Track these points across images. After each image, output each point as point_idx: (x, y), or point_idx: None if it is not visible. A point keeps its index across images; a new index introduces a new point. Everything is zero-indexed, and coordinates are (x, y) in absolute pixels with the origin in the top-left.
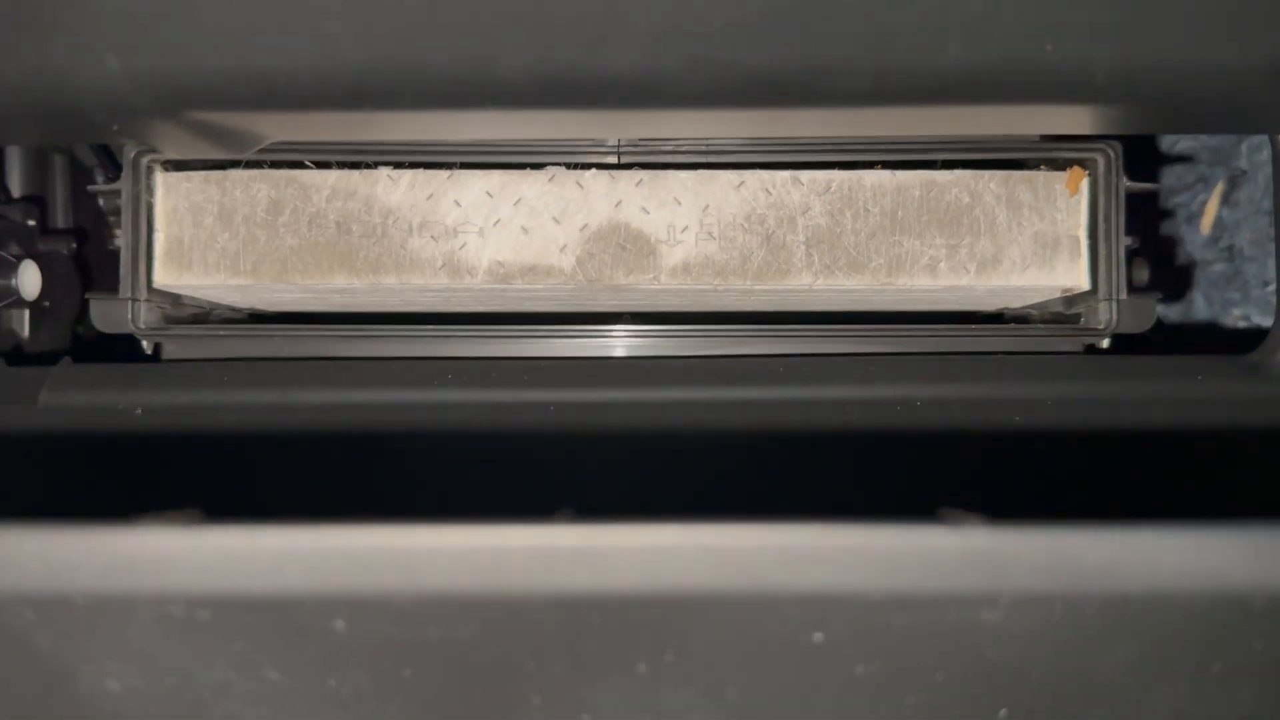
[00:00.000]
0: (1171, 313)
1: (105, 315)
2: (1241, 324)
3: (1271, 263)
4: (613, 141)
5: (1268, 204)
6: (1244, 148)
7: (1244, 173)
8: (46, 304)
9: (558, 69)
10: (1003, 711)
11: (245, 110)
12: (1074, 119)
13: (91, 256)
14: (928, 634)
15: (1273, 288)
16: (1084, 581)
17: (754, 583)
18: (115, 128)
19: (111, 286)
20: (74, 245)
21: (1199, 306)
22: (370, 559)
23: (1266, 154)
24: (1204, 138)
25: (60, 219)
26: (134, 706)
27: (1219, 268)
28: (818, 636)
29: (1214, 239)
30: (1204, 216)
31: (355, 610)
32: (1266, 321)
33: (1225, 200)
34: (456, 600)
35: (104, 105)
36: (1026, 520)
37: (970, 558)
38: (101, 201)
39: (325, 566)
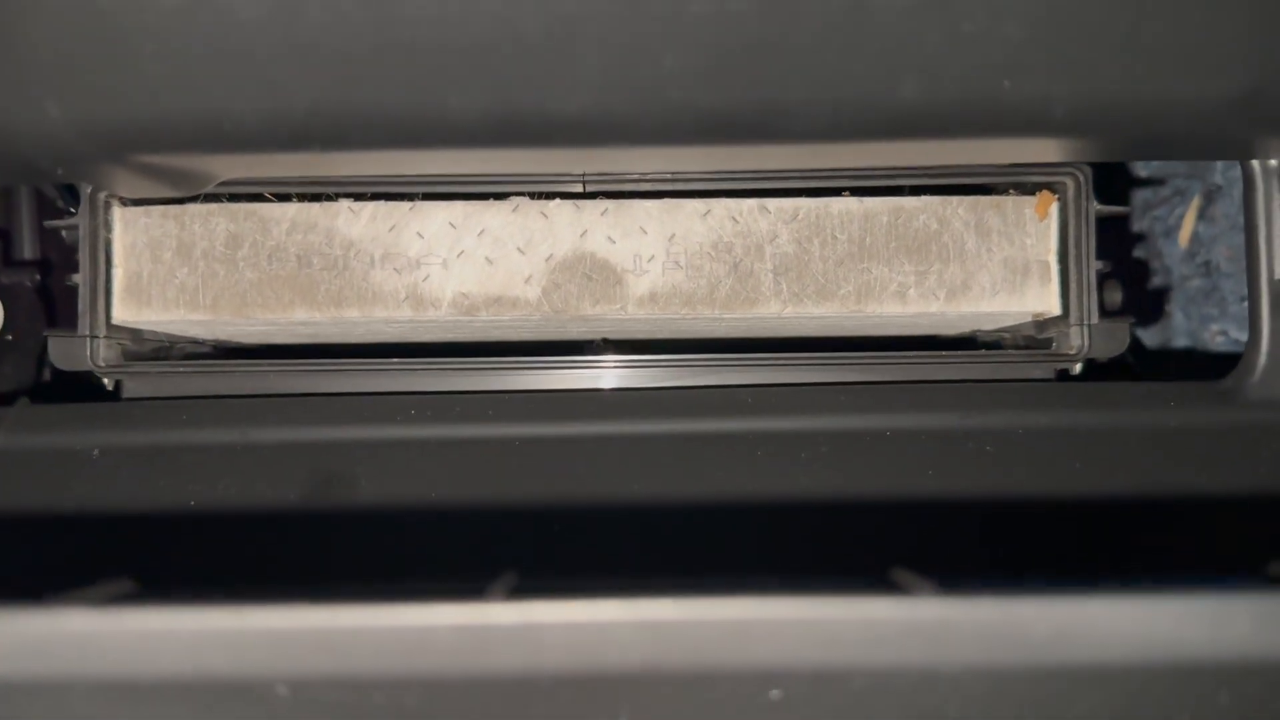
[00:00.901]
0: (1149, 334)
1: (64, 353)
2: (1219, 339)
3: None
4: (578, 171)
5: (1243, 220)
6: (1219, 164)
7: (1219, 188)
8: (9, 338)
9: (508, 110)
10: None
11: (191, 153)
12: (1038, 150)
13: (57, 290)
14: (887, 694)
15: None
16: (1037, 653)
17: (700, 659)
18: (60, 172)
19: (74, 323)
20: (38, 278)
21: (1177, 322)
22: (299, 641)
23: (1239, 172)
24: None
25: (26, 251)
26: None
27: (1196, 283)
28: (775, 694)
29: (1190, 254)
30: (1182, 229)
31: (292, 686)
32: (1244, 336)
33: (1201, 215)
34: (394, 682)
35: (47, 151)
36: (976, 590)
37: (919, 629)
38: (65, 234)
39: (247, 649)
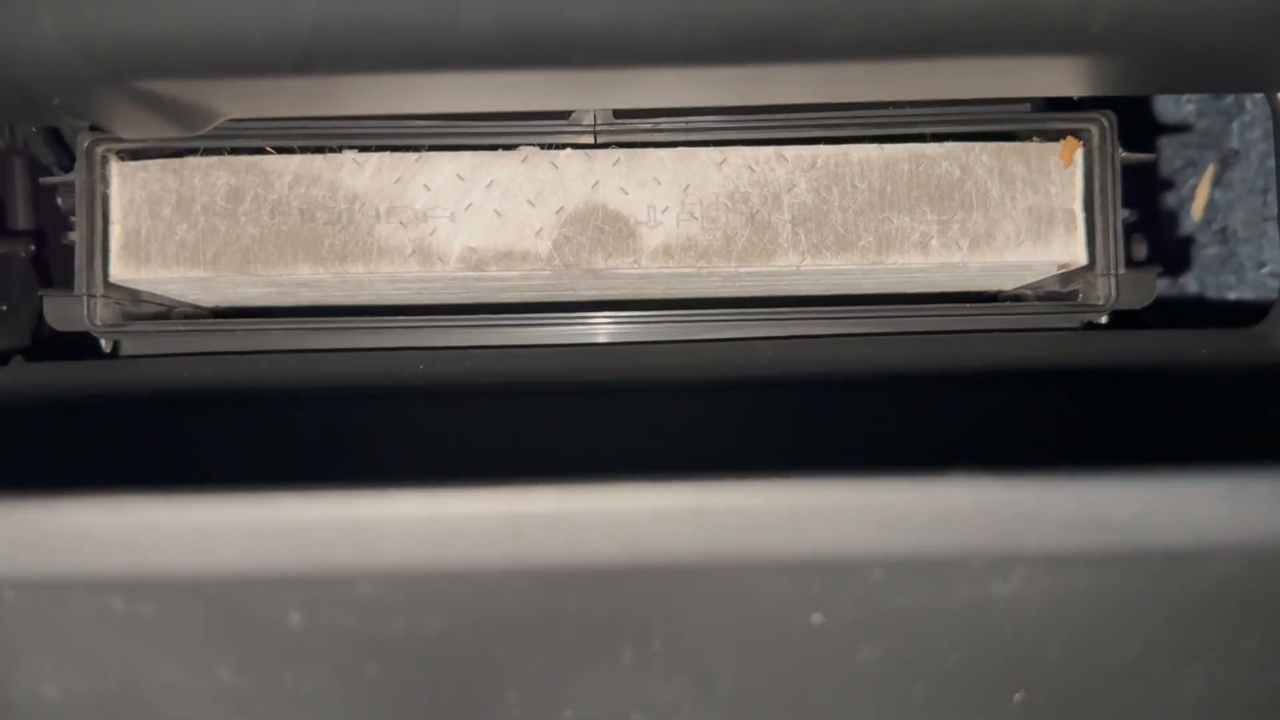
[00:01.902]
0: (1169, 294)
1: (60, 313)
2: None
3: (1266, 243)
4: (589, 120)
5: (1261, 182)
6: (1235, 125)
7: (1236, 152)
8: (4, 307)
9: (524, 21)
10: (1018, 695)
11: (195, 78)
12: (1071, 75)
13: (52, 259)
14: (935, 611)
15: (1269, 269)
16: (1111, 537)
17: (745, 547)
18: (56, 101)
19: (71, 287)
20: (32, 247)
21: (1193, 290)
22: (323, 531)
23: (1259, 131)
24: (1194, 118)
25: (21, 221)
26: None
27: (1212, 250)
28: (817, 618)
29: (1207, 221)
30: (1195, 201)
31: (313, 598)
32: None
33: (1217, 182)
34: (420, 579)
35: (42, 74)
36: (1044, 470)
37: (984, 513)
38: (60, 200)
39: (274, 542)
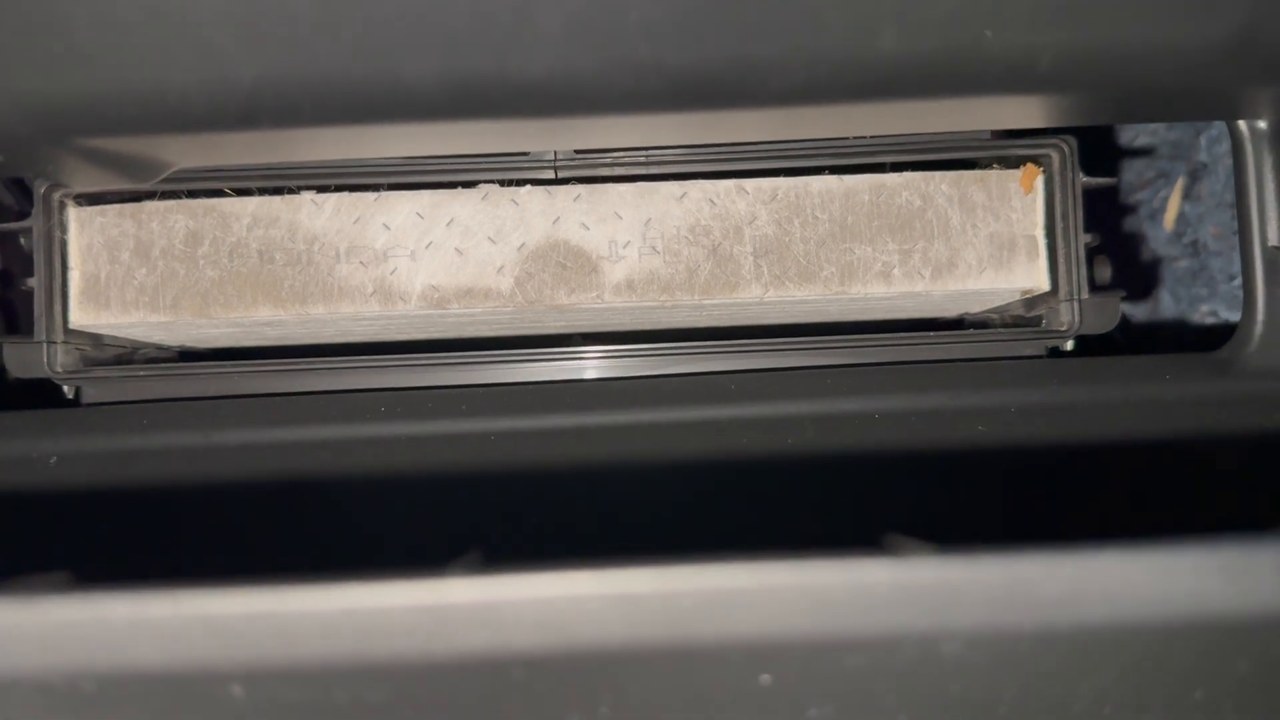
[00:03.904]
0: (1138, 312)
1: (20, 359)
2: (1209, 320)
3: (1236, 256)
4: (549, 156)
5: (1229, 197)
6: (1202, 140)
7: (1204, 166)
8: None
9: (466, 77)
10: None
11: (138, 135)
12: (1022, 111)
13: (19, 304)
14: (884, 671)
15: (1239, 282)
16: (1045, 613)
17: (681, 633)
18: (2, 159)
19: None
20: None
21: (1165, 304)
22: (251, 628)
23: (1226, 146)
24: (1162, 131)
25: None
26: None
27: (1184, 264)
28: (765, 679)
29: (1177, 234)
30: (1167, 212)
31: (250, 679)
32: (1234, 316)
33: (1186, 195)
34: (350, 669)
35: None
36: (978, 548)
37: (920, 592)
38: (22, 240)
39: (192, 637)
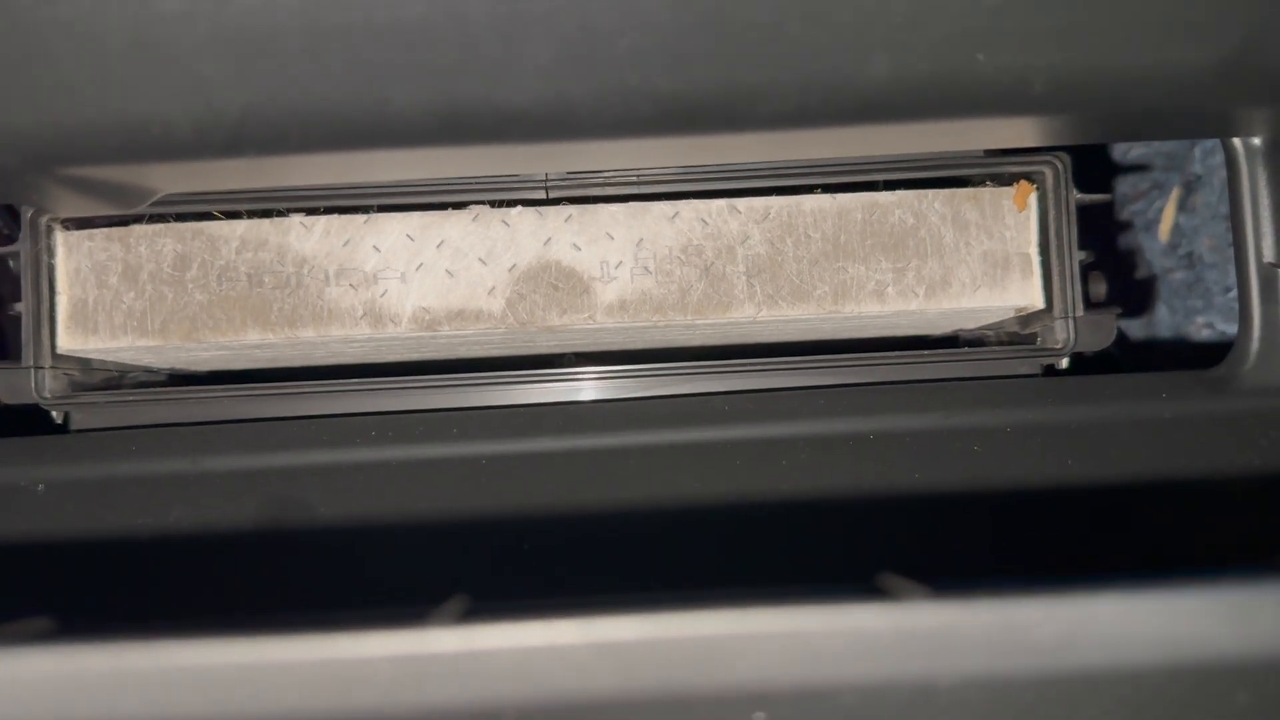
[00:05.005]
0: (1135, 326)
1: (7, 385)
2: (1206, 332)
3: (1232, 268)
4: (540, 176)
5: (1224, 209)
6: (1197, 152)
7: (1199, 178)
8: None
9: (454, 103)
10: None
11: (123, 164)
12: (1015, 131)
13: (6, 326)
14: (879, 712)
15: (1234, 294)
16: (1041, 658)
17: (673, 682)
18: None
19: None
20: None
21: (1162, 317)
22: (232, 679)
23: (1220, 158)
24: (1156, 144)
25: None
26: None
27: (1179, 275)
28: (759, 716)
29: (1172, 246)
30: (1162, 223)
31: None
32: (1231, 328)
33: (1181, 206)
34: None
35: None
36: (974, 591)
37: (915, 637)
38: (10, 265)
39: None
